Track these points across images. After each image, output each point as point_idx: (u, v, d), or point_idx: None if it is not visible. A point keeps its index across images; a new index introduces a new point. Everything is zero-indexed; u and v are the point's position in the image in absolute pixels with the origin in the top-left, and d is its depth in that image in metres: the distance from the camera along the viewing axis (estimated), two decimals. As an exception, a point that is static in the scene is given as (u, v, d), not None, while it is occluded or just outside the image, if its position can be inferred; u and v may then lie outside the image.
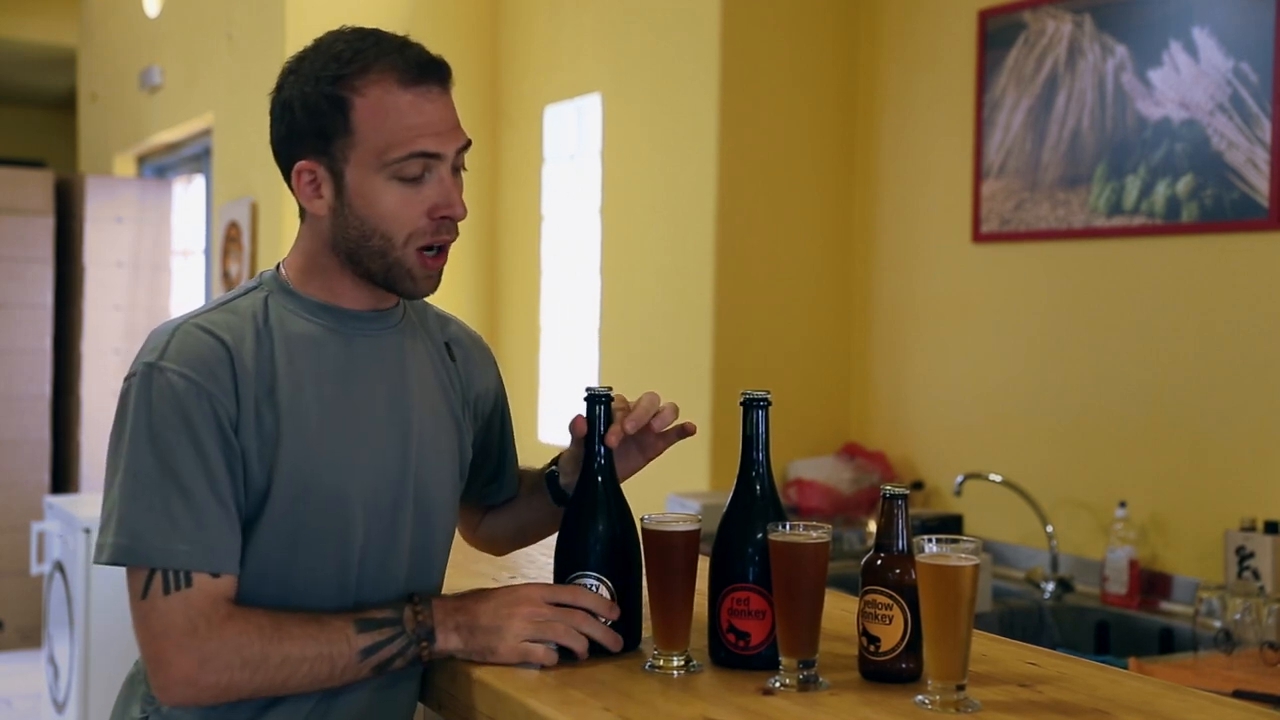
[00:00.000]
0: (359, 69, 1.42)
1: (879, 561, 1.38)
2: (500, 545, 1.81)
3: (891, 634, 1.36)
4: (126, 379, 1.42)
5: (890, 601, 1.36)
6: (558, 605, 1.44)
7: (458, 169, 1.48)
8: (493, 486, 1.73)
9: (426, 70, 1.44)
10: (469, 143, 1.48)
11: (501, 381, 1.73)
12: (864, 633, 1.39)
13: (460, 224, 1.52)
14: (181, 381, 1.38)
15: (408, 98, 1.42)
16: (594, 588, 1.47)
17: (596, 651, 1.47)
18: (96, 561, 1.37)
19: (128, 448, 1.38)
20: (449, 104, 1.47)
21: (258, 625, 1.36)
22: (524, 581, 1.52)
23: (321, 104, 1.42)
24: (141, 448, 1.37)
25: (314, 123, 1.43)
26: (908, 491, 1.40)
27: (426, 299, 1.61)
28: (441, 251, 1.48)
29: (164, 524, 1.35)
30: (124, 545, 1.35)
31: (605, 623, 1.46)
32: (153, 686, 1.36)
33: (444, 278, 1.53)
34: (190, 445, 1.37)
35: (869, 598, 1.38)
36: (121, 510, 1.36)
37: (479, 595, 1.46)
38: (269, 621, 1.36)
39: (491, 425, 1.69)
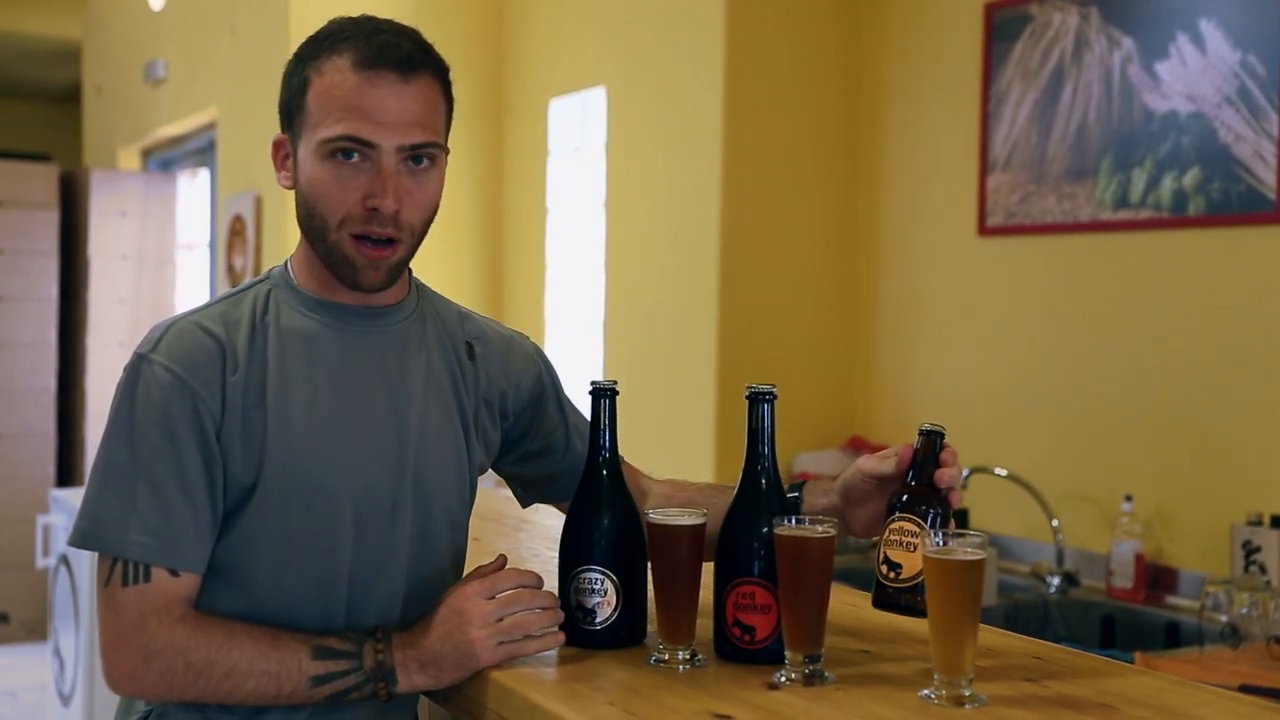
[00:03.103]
0: (327, 49, 1.42)
1: (909, 494, 1.39)
2: None
3: (914, 562, 1.36)
4: (123, 370, 1.43)
5: (918, 529, 1.37)
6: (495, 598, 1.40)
7: (422, 159, 1.42)
8: (563, 483, 1.68)
9: (384, 55, 1.39)
10: (427, 143, 1.41)
11: (549, 376, 1.69)
12: (885, 560, 1.39)
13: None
14: (167, 376, 1.38)
15: (355, 79, 1.39)
16: (599, 582, 1.47)
17: (600, 642, 1.47)
18: (68, 543, 1.40)
19: (108, 436, 1.40)
20: (409, 95, 1.40)
21: (208, 632, 1.36)
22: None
23: (293, 81, 1.45)
24: (119, 438, 1.39)
25: (287, 98, 1.46)
26: (944, 429, 1.42)
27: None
28: (388, 244, 1.42)
29: (128, 514, 1.36)
30: (85, 529, 1.37)
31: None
32: (103, 672, 1.38)
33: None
34: (166, 441, 1.37)
35: (897, 525, 1.38)
36: (90, 496, 1.38)
37: (425, 626, 1.40)
38: (222, 631, 1.36)
39: (539, 423, 1.66)
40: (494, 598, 1.40)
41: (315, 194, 1.42)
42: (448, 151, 1.48)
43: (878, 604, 1.40)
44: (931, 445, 1.42)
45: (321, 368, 1.45)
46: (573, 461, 1.67)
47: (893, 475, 1.46)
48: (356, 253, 1.42)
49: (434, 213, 1.47)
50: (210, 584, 1.42)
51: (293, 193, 1.48)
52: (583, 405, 1.54)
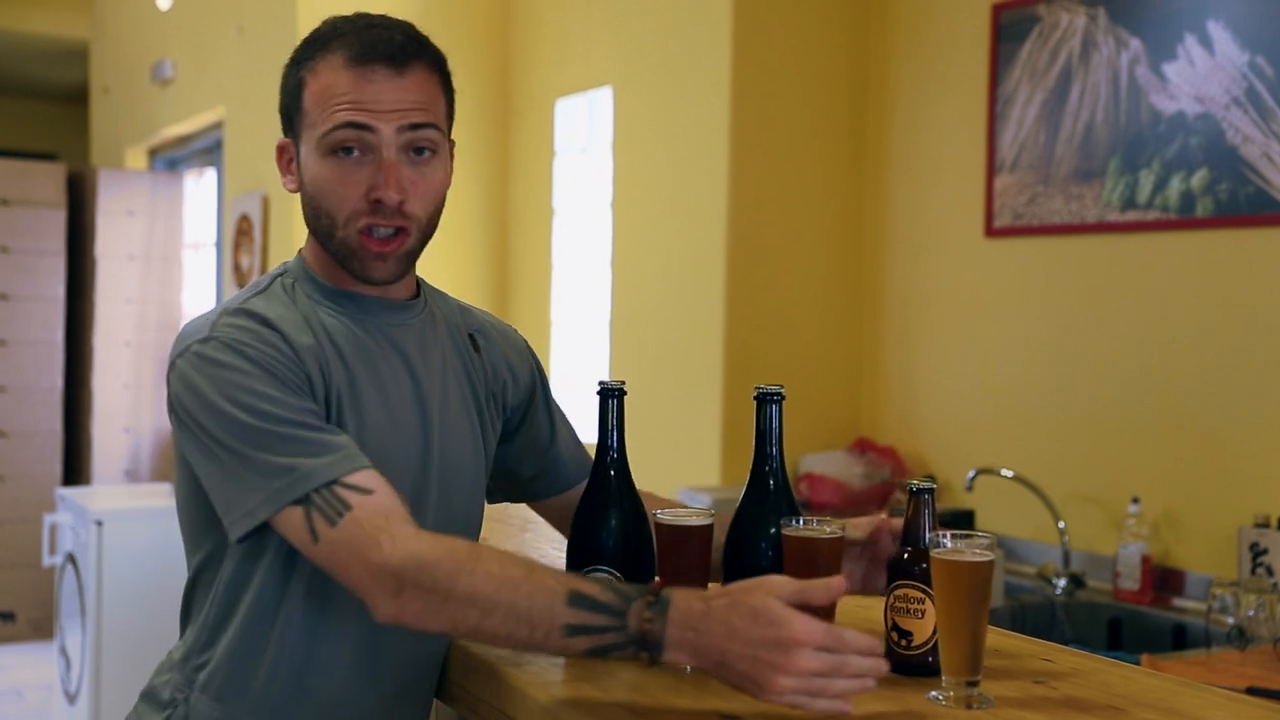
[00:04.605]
0: (320, 49, 1.42)
1: (907, 556, 1.38)
2: None
3: (924, 628, 1.36)
4: (172, 372, 1.38)
5: (923, 595, 1.36)
6: (828, 650, 1.18)
7: (422, 149, 1.42)
8: (541, 482, 1.68)
9: (375, 50, 1.40)
10: (426, 123, 1.41)
11: (539, 373, 1.69)
12: (894, 628, 1.38)
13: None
14: (237, 343, 1.35)
15: (349, 75, 1.39)
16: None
17: None
18: (245, 531, 1.30)
19: (210, 423, 1.32)
20: (405, 86, 1.40)
21: (450, 546, 1.26)
22: (790, 611, 1.19)
23: (289, 83, 1.45)
24: (222, 418, 1.32)
25: (284, 102, 1.46)
26: (934, 486, 1.41)
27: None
28: (396, 236, 1.42)
29: (282, 466, 1.29)
30: (280, 488, 1.28)
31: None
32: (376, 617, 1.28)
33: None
34: (265, 384, 1.32)
35: (900, 592, 1.37)
36: (241, 481, 1.30)
37: (727, 623, 1.19)
38: (467, 547, 1.26)
39: (526, 416, 1.66)
40: (824, 648, 1.18)
41: (319, 193, 1.42)
42: (452, 143, 1.48)
43: (892, 668, 1.39)
44: (923, 504, 1.40)
45: (357, 360, 1.45)
46: (554, 460, 1.67)
47: (864, 541, 1.45)
48: (362, 246, 1.42)
49: (441, 204, 1.47)
50: (247, 573, 1.40)
51: (289, 188, 1.50)
52: (590, 404, 1.54)
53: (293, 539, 1.30)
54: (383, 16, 1.45)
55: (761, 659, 1.17)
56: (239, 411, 1.31)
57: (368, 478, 1.30)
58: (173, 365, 1.39)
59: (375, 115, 1.39)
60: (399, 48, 1.41)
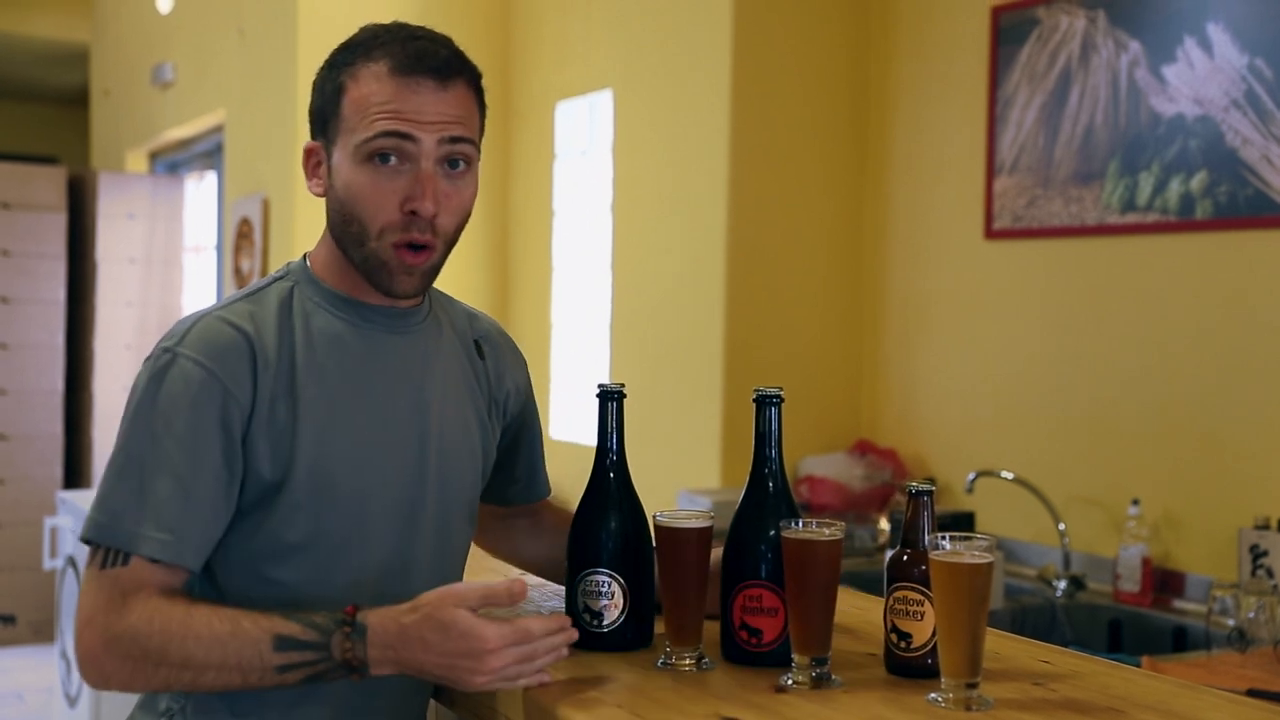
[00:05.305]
0: (361, 55, 1.42)
1: (906, 557, 1.38)
2: (512, 560, 1.79)
3: (923, 630, 1.36)
4: (144, 363, 1.40)
5: (922, 597, 1.36)
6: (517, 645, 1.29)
7: (457, 161, 1.43)
8: (516, 488, 1.70)
9: (421, 61, 1.40)
10: (465, 137, 1.43)
11: (530, 383, 1.70)
12: (893, 629, 1.38)
13: (472, 220, 1.50)
14: (197, 371, 1.36)
15: (392, 85, 1.40)
16: (606, 585, 1.47)
17: (607, 645, 1.47)
18: (81, 535, 1.36)
19: (130, 429, 1.36)
20: (446, 100, 1.42)
21: (165, 619, 1.29)
22: (490, 618, 1.30)
23: (326, 87, 1.45)
24: (141, 430, 1.35)
25: (320, 105, 1.45)
26: (933, 488, 1.41)
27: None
28: (423, 250, 1.43)
29: (144, 508, 1.32)
30: (100, 523, 1.33)
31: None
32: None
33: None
34: (191, 435, 1.34)
35: (900, 594, 1.38)
36: (108, 488, 1.35)
37: (422, 638, 1.28)
38: (179, 618, 1.29)
39: (520, 425, 1.67)
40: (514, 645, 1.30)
41: (352, 199, 1.41)
42: (480, 156, 1.48)
43: (891, 669, 1.40)
44: (922, 506, 1.40)
45: (349, 367, 1.44)
46: (534, 470, 1.70)
47: None
48: (396, 259, 1.42)
49: (466, 219, 1.47)
50: (237, 584, 1.41)
51: (305, 196, 1.49)
52: (590, 406, 1.55)
53: (89, 553, 1.34)
54: (423, 29, 1.46)
55: (458, 666, 1.28)
56: (144, 432, 1.35)
57: (164, 572, 1.32)
58: (147, 358, 1.40)
59: (417, 125, 1.39)
60: (444, 62, 1.42)
